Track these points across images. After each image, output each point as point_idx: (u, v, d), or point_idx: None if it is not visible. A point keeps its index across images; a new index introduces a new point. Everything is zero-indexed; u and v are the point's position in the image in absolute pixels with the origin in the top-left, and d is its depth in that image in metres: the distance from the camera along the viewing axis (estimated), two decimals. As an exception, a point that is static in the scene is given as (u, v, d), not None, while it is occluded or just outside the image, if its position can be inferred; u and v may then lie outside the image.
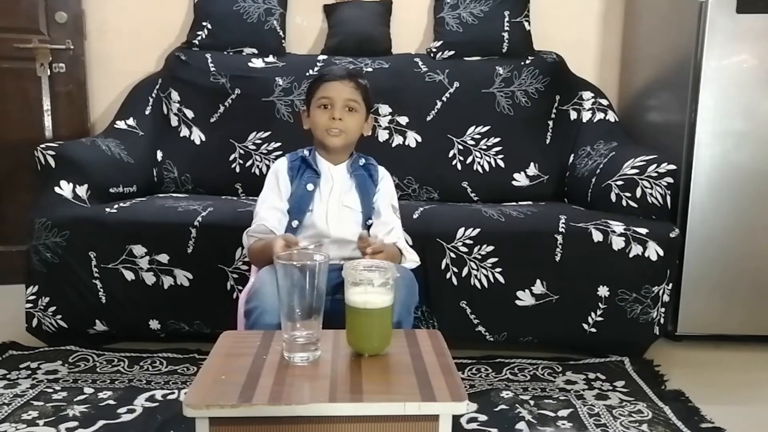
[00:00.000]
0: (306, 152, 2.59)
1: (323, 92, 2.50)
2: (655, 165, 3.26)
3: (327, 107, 2.49)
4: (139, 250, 3.13)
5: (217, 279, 3.11)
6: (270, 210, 2.48)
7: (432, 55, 4.14)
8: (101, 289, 3.17)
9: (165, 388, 2.84)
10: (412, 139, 3.93)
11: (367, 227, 2.51)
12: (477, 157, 3.90)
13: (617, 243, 3.07)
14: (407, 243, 2.66)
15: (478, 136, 3.93)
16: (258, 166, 3.87)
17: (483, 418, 2.61)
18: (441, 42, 4.12)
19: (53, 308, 3.20)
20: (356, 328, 1.73)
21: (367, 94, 2.55)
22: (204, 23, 4.10)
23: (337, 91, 2.48)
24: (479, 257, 3.08)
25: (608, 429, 2.53)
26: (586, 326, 3.14)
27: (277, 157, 3.74)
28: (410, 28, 4.36)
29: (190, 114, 3.98)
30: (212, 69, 4.00)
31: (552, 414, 2.65)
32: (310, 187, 2.50)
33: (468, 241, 3.08)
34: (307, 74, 3.94)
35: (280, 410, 1.46)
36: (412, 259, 2.53)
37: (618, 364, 3.16)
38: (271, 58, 4.08)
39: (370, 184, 2.57)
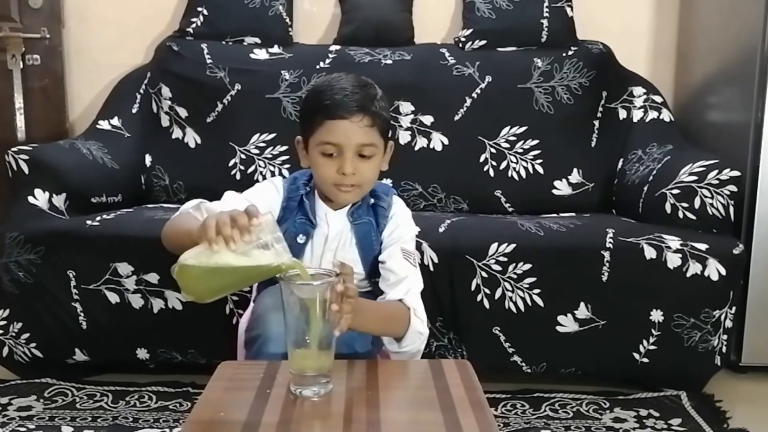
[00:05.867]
0: (305, 189, 2.32)
1: (327, 135, 2.16)
2: (716, 171, 3.25)
3: (333, 155, 2.18)
4: (124, 268, 3.14)
5: (214, 302, 3.09)
6: (242, 202, 2.10)
7: (460, 45, 4.14)
8: (81, 314, 3.18)
9: (155, 426, 2.85)
10: (438, 141, 3.94)
11: (373, 284, 2.31)
12: (512, 161, 3.91)
13: (673, 260, 3.07)
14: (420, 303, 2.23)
15: (513, 138, 3.93)
16: (261, 172, 3.89)
17: (519, 461, 2.62)
18: (471, 30, 4.12)
19: (26, 335, 3.22)
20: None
21: (385, 125, 2.24)
22: (199, 8, 4.11)
23: (347, 135, 2.15)
24: (515, 277, 3.08)
25: (663, 475, 2.54)
26: (637, 356, 3.14)
27: (283, 162, 3.77)
28: (436, 14, 4.37)
29: (183, 113, 3.99)
30: (209, 61, 4.01)
31: (598, 457, 2.66)
32: (300, 239, 2.26)
33: (502, 259, 3.08)
34: (317, 67, 3.97)
35: (286, 452, 1.47)
36: (416, 330, 2.13)
37: (674, 399, 3.15)
38: (276, 49, 4.10)
39: (375, 237, 2.31)
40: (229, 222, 1.71)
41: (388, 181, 3.53)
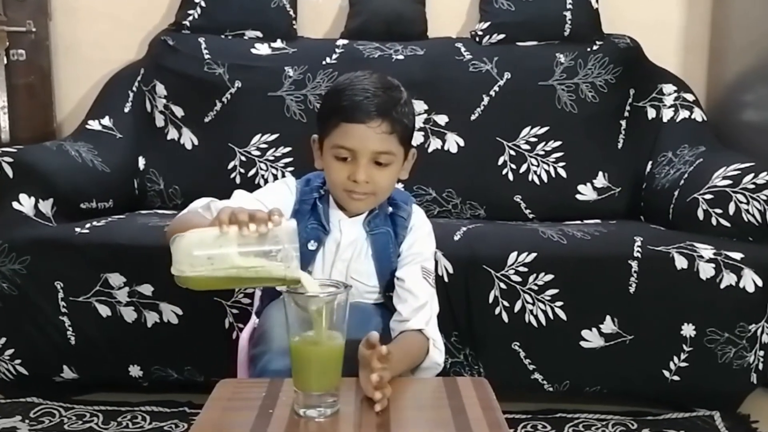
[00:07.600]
0: (319, 193, 2.30)
1: (342, 138, 2.14)
2: (752, 175, 3.25)
3: (347, 160, 2.16)
4: (116, 279, 3.14)
5: (212, 315, 3.11)
6: (252, 202, 2.16)
7: (477, 39, 4.14)
8: (70, 328, 3.18)
9: (148, 449, 2.86)
10: (453, 142, 3.94)
11: (387, 298, 2.28)
12: (533, 164, 3.91)
13: (705, 271, 3.06)
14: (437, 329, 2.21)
15: (534, 139, 3.93)
16: (263, 175, 3.89)
17: (540, 487, 2.62)
18: (488, 23, 4.12)
19: (11, 351, 3.22)
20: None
21: (406, 132, 2.23)
22: (197, 0, 4.12)
23: (363, 141, 2.12)
24: (536, 288, 3.08)
25: (695, 501, 2.53)
26: (667, 373, 3.13)
27: (286, 165, 3.76)
28: (451, 6, 4.37)
29: (179, 112, 4.00)
30: (207, 57, 4.02)
31: (626, 482, 2.65)
32: (312, 245, 2.23)
33: (522, 269, 3.08)
34: (323, 63, 3.97)
35: (290, 477, 1.47)
36: (434, 361, 2.13)
37: (706, 419, 3.15)
38: (279, 44, 4.10)
39: (393, 249, 2.28)
40: (247, 213, 1.68)
41: (398, 185, 3.53)
